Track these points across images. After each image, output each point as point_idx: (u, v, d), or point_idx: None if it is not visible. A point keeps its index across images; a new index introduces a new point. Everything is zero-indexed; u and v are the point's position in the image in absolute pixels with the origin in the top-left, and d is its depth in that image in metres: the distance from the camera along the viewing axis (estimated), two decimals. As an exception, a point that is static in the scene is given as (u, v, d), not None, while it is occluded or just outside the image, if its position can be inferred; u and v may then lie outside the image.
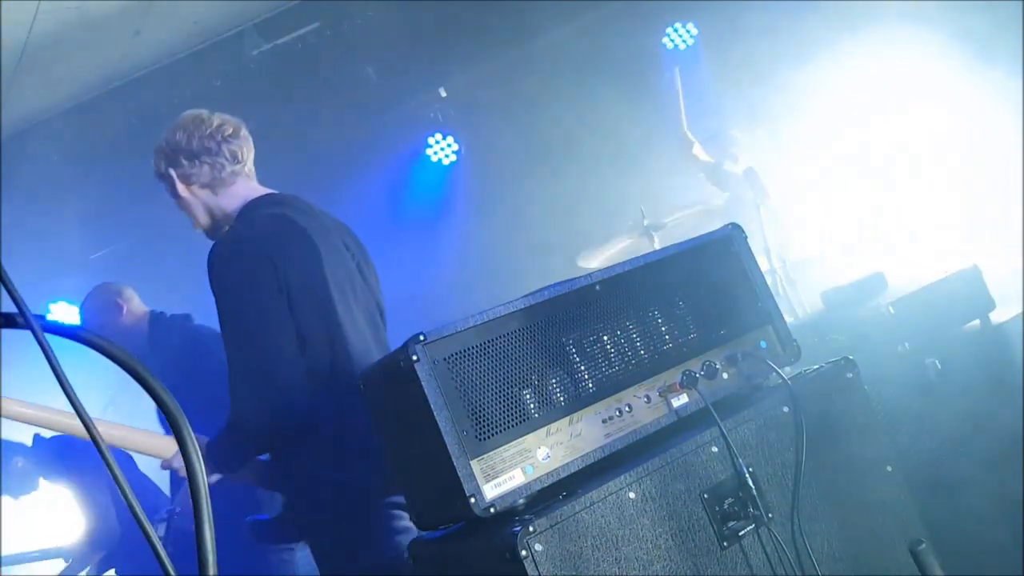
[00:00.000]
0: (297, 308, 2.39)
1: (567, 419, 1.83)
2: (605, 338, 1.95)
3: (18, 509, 4.15)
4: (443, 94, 5.91)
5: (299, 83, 5.04)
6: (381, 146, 5.78)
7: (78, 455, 3.86)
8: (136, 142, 5.08)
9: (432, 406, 1.69)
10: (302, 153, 5.51)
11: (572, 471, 1.80)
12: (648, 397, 1.95)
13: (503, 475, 1.72)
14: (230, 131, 2.64)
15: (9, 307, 1.01)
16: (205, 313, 4.73)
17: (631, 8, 5.67)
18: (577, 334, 1.92)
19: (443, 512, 1.80)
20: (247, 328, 2.40)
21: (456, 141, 6.01)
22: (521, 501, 1.73)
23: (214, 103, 5.10)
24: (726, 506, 1.87)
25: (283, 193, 2.71)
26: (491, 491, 1.70)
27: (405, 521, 2.43)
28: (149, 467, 3.37)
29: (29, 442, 3.92)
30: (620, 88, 5.53)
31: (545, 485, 1.76)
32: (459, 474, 1.67)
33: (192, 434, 0.98)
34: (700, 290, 2.13)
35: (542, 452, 1.78)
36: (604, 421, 1.88)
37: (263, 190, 2.70)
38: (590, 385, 1.89)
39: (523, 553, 1.60)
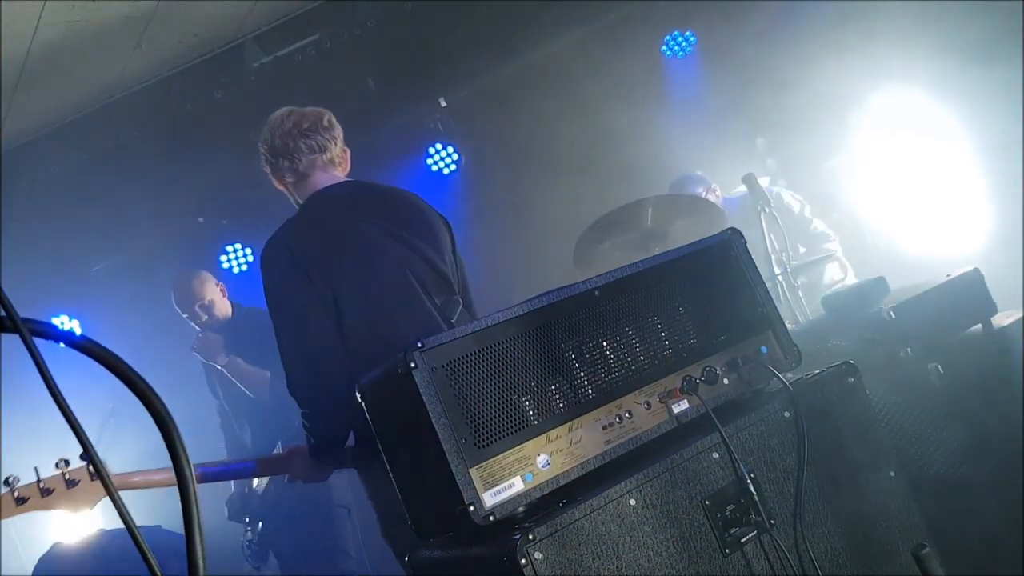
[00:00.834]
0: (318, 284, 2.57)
1: (567, 426, 1.82)
2: (604, 344, 1.94)
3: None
4: (443, 104, 5.92)
5: (299, 95, 5.04)
6: (382, 156, 5.77)
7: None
8: (136, 154, 5.10)
9: (430, 413, 1.68)
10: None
11: (572, 478, 1.79)
12: (648, 403, 1.94)
13: (502, 483, 1.71)
14: (307, 125, 2.80)
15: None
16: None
17: (630, 17, 5.68)
18: (576, 340, 1.91)
19: (442, 520, 1.79)
20: (286, 322, 2.60)
21: (456, 151, 6.01)
22: (521, 509, 1.72)
23: (214, 116, 5.18)
24: (728, 512, 1.85)
25: (334, 184, 2.81)
26: (490, 499, 1.69)
27: None
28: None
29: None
30: (620, 97, 5.53)
31: (545, 493, 1.75)
32: (458, 482, 1.66)
33: (183, 442, 0.97)
34: (700, 295, 2.12)
35: (542, 459, 1.77)
36: (604, 427, 1.87)
37: (332, 180, 2.81)
38: (590, 391, 1.88)
39: (523, 561, 1.59)
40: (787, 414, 2.02)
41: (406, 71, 5.52)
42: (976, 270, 2.95)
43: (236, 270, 5.82)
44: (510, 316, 1.84)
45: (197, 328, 4.54)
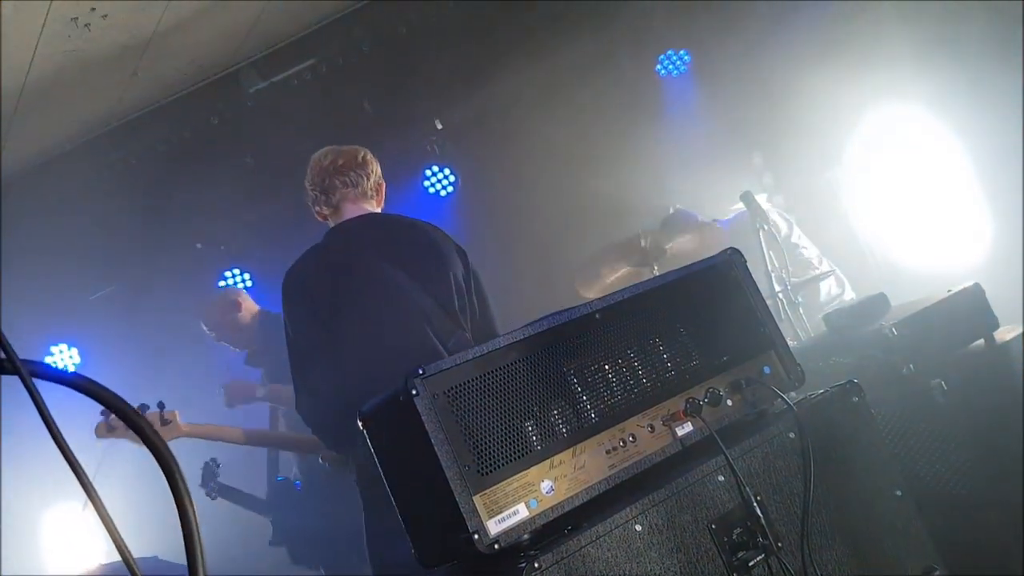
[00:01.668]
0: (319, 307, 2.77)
1: (570, 451, 1.81)
2: (607, 367, 1.93)
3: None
4: (439, 126, 5.93)
5: (296, 119, 5.06)
6: (379, 179, 5.77)
7: None
8: (134, 182, 5.11)
9: (433, 441, 1.66)
10: (301, 189, 5.51)
11: (577, 504, 1.77)
12: (652, 426, 1.93)
13: (507, 510, 1.69)
14: (342, 162, 3.03)
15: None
16: (208, 347, 4.75)
17: (624, 38, 5.70)
18: (578, 363, 1.90)
19: (447, 549, 1.77)
20: (289, 342, 2.82)
21: (453, 173, 6.02)
22: (526, 536, 1.70)
23: (212, 142, 5.19)
24: (735, 536, 1.83)
25: (355, 216, 3.00)
26: (495, 527, 1.67)
27: None
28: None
29: None
30: (616, 118, 5.56)
31: (550, 519, 1.73)
32: (462, 510, 1.64)
33: (184, 478, 0.96)
34: (701, 316, 2.11)
35: (546, 485, 1.75)
36: (608, 452, 1.85)
37: (360, 212, 3.00)
38: (592, 415, 1.86)
39: (529, 590, 1.57)
40: (792, 435, 2.00)
41: (401, 94, 5.54)
42: (977, 285, 2.95)
43: (234, 296, 5.80)
44: (511, 341, 1.83)
45: (235, 350, 4.55)
